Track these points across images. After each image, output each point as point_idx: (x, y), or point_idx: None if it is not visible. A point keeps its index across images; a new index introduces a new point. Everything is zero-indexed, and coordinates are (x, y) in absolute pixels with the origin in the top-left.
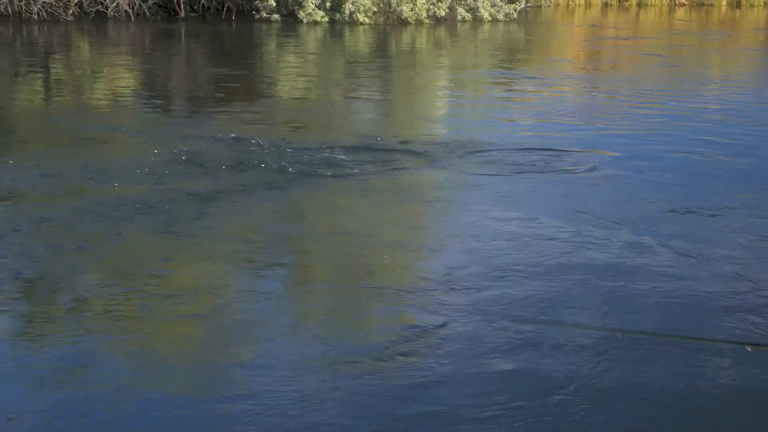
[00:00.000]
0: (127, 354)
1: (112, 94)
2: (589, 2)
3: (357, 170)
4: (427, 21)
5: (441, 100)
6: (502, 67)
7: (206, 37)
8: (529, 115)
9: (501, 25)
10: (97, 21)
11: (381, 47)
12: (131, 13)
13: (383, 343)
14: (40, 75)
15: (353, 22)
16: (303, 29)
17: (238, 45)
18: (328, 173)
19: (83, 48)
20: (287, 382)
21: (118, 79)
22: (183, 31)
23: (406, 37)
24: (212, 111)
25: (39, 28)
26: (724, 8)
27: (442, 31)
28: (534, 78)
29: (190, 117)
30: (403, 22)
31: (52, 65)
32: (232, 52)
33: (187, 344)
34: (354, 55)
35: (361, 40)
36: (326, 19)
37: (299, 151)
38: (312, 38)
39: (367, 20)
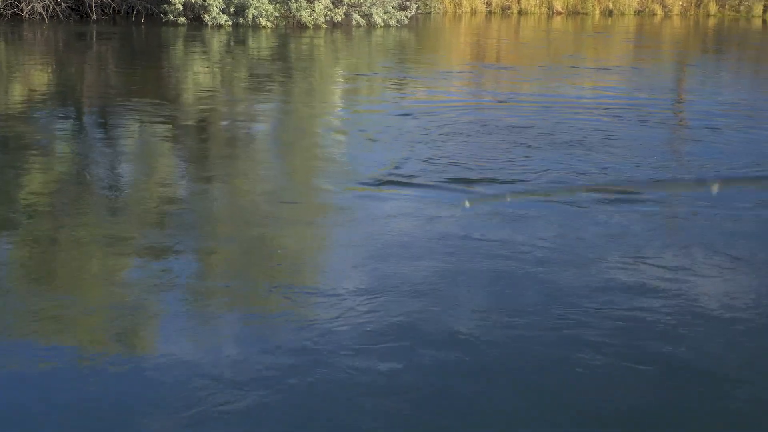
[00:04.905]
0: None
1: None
2: (475, 10)
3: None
4: (324, 25)
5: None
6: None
7: (117, 38)
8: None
9: (393, 30)
10: (12, 23)
11: (283, 49)
12: (45, 16)
13: None
14: None
15: (256, 26)
16: (208, 32)
17: (146, 46)
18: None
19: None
20: None
21: (31, 77)
22: (94, 32)
23: (305, 40)
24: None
25: None
26: (597, 16)
27: (339, 35)
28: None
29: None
30: (302, 27)
31: None
32: (140, 54)
33: None
34: (259, 56)
35: (264, 43)
36: (230, 23)
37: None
38: (217, 41)
39: (269, 24)
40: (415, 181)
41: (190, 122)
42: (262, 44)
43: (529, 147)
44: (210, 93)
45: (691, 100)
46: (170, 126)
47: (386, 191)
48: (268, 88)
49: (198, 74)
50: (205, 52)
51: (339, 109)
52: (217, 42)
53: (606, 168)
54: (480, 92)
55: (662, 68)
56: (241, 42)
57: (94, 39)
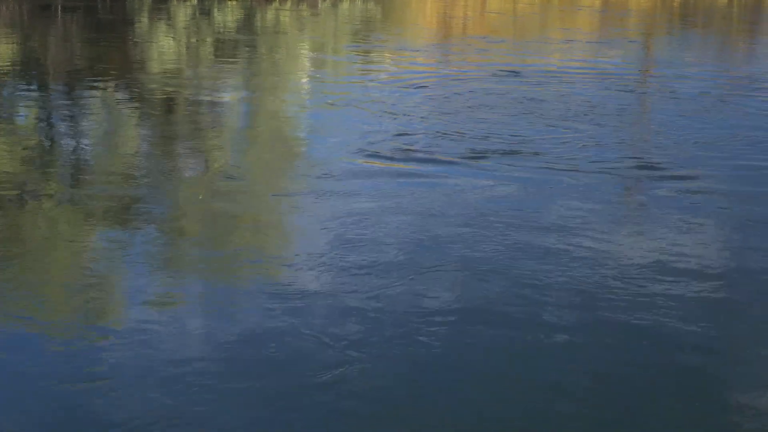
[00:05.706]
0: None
1: None
2: None
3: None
4: None
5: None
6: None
7: (82, 11)
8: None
9: (359, 2)
10: None
11: (250, 21)
12: None
13: None
14: None
15: None
16: (174, 4)
17: (112, 18)
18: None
19: None
20: None
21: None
22: (59, 5)
23: (272, 12)
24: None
25: None
26: None
27: (305, 8)
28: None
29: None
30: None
31: None
32: (106, 26)
33: None
34: (225, 28)
35: (229, 16)
36: None
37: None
38: (182, 13)
39: None
40: (432, 155)
41: (155, 94)
42: (227, 17)
43: (541, 119)
44: (175, 65)
45: (691, 72)
46: (135, 98)
47: (402, 165)
48: (240, 60)
49: (163, 46)
50: (170, 25)
51: (335, 82)
52: (182, 14)
53: (625, 141)
54: (477, 65)
55: (650, 42)
56: (207, 14)
57: (59, 12)
